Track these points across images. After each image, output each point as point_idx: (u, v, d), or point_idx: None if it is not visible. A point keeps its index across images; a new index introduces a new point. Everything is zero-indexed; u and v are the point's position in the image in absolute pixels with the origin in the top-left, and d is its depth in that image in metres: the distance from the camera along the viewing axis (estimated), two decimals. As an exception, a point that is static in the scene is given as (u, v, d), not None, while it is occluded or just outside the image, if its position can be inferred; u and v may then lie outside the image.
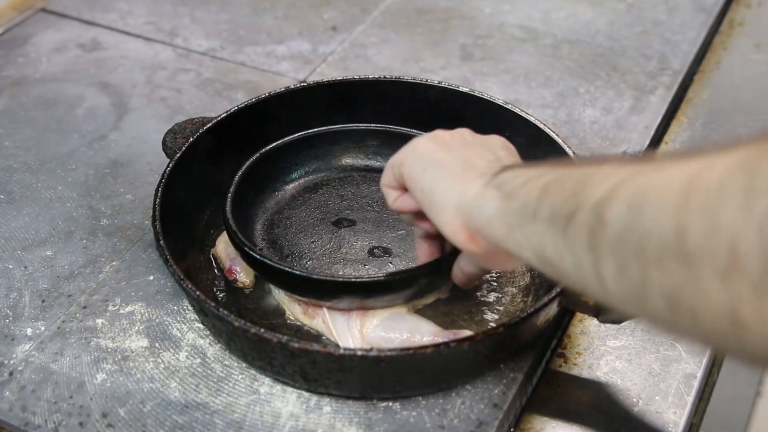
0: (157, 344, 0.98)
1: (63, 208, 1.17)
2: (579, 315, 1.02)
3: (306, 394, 0.92)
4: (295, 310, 1.00)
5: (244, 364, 0.95)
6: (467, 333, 0.92)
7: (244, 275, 1.03)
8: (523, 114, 1.12)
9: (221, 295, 1.04)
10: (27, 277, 1.07)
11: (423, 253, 0.95)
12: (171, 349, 0.97)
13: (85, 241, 1.12)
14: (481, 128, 1.15)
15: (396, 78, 1.18)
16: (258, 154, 1.09)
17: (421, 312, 1.00)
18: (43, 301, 1.04)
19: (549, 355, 0.99)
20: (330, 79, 1.19)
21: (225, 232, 1.07)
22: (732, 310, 0.49)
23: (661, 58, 1.46)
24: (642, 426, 0.91)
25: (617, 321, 0.92)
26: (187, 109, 1.35)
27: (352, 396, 0.91)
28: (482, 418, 0.89)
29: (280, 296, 1.02)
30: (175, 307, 1.02)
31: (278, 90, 1.17)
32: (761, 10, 1.61)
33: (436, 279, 0.97)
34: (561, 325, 1.02)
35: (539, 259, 0.68)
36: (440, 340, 0.92)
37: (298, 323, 1.00)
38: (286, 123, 1.17)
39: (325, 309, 0.98)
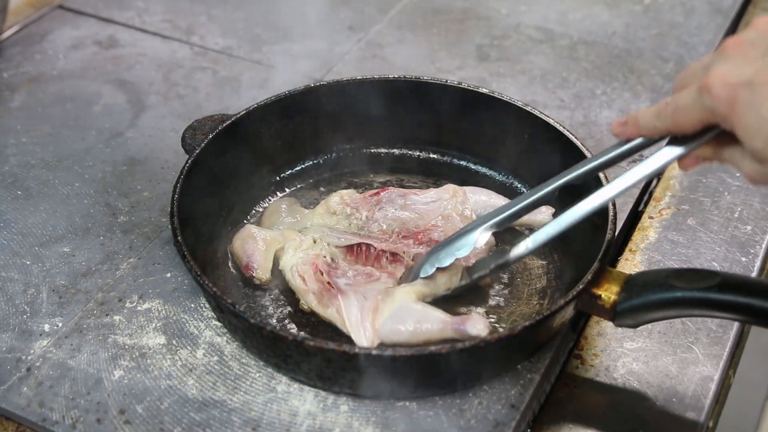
0: (174, 341, 0.98)
1: (80, 205, 1.17)
2: (596, 316, 1.02)
3: (323, 393, 0.92)
4: (309, 298, 1.00)
5: (261, 362, 0.95)
6: (476, 317, 0.92)
7: (260, 272, 1.03)
8: (541, 115, 1.11)
9: (238, 292, 1.04)
10: (44, 273, 1.07)
11: None
12: (188, 347, 0.97)
13: (102, 237, 1.12)
14: (499, 129, 1.17)
15: (414, 78, 1.18)
16: None
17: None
18: (60, 298, 1.04)
19: (566, 357, 0.99)
20: (346, 78, 1.19)
21: (242, 229, 1.07)
22: None
23: (678, 60, 1.46)
24: (659, 428, 0.91)
25: (634, 325, 0.92)
26: (203, 107, 1.35)
27: (367, 395, 0.91)
28: (499, 419, 0.89)
29: (295, 285, 1.02)
30: (192, 305, 1.02)
31: (297, 88, 1.17)
32: (778, 12, 1.61)
33: None
34: (578, 327, 1.02)
35: None
36: (449, 326, 0.93)
37: (313, 313, 1.00)
38: (304, 121, 1.17)
39: (340, 299, 0.98)
